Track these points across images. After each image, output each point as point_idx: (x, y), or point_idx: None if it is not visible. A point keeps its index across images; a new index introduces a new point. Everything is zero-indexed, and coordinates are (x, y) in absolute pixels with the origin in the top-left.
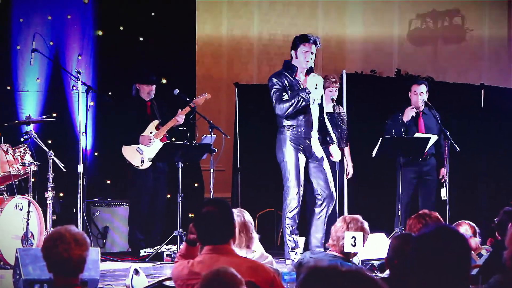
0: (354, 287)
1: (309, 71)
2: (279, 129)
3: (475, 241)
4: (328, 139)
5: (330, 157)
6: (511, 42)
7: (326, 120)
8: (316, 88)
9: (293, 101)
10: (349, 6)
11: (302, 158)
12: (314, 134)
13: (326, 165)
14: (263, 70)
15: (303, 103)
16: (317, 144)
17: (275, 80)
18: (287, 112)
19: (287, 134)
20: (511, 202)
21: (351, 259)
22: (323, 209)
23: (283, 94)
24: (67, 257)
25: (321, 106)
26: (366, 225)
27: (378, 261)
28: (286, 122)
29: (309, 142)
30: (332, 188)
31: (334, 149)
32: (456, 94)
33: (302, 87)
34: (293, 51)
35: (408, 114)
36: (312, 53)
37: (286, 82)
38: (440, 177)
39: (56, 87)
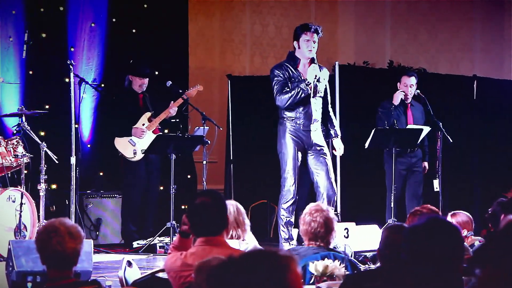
0: (255, 268)
1: (311, 62)
2: (279, 120)
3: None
4: (332, 132)
5: (333, 151)
6: (504, 33)
7: (331, 113)
8: (318, 81)
9: (292, 92)
10: None
11: (300, 150)
12: (315, 126)
13: (327, 157)
14: (255, 62)
15: (302, 94)
16: (318, 136)
17: (276, 71)
18: (287, 104)
19: (287, 125)
20: (504, 193)
21: (335, 248)
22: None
23: (284, 85)
24: (61, 250)
25: (325, 99)
26: (331, 213)
27: (371, 252)
28: (285, 114)
29: (308, 134)
30: (333, 181)
31: (337, 142)
32: (448, 85)
33: (302, 78)
34: (295, 42)
35: (398, 98)
36: (314, 42)
37: (287, 73)
38: (423, 171)
39: (48, 79)
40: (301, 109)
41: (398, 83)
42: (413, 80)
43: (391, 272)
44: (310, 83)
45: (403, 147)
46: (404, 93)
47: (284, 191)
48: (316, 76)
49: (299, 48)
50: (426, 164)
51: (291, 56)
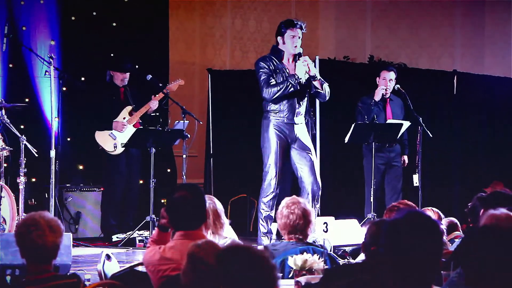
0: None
1: (297, 56)
2: (263, 114)
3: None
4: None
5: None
6: (484, 29)
7: (325, 85)
8: (314, 79)
9: (281, 86)
10: None
11: (283, 144)
12: (298, 119)
13: (312, 152)
14: (236, 56)
15: (292, 88)
16: (302, 130)
17: (261, 63)
18: (274, 96)
19: (271, 119)
20: (484, 189)
21: (314, 242)
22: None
23: (271, 78)
24: (41, 244)
25: (308, 87)
26: (308, 205)
27: (350, 247)
28: (270, 107)
29: (292, 128)
30: (317, 176)
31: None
32: (429, 81)
33: (288, 72)
34: (279, 37)
35: (379, 94)
36: (299, 38)
37: (272, 66)
38: (403, 164)
39: (28, 72)
40: (285, 101)
41: (377, 78)
42: (392, 75)
43: (375, 266)
44: (301, 78)
45: (383, 142)
46: (385, 89)
47: (264, 185)
48: (305, 71)
49: (283, 43)
50: (405, 157)
51: (275, 49)
